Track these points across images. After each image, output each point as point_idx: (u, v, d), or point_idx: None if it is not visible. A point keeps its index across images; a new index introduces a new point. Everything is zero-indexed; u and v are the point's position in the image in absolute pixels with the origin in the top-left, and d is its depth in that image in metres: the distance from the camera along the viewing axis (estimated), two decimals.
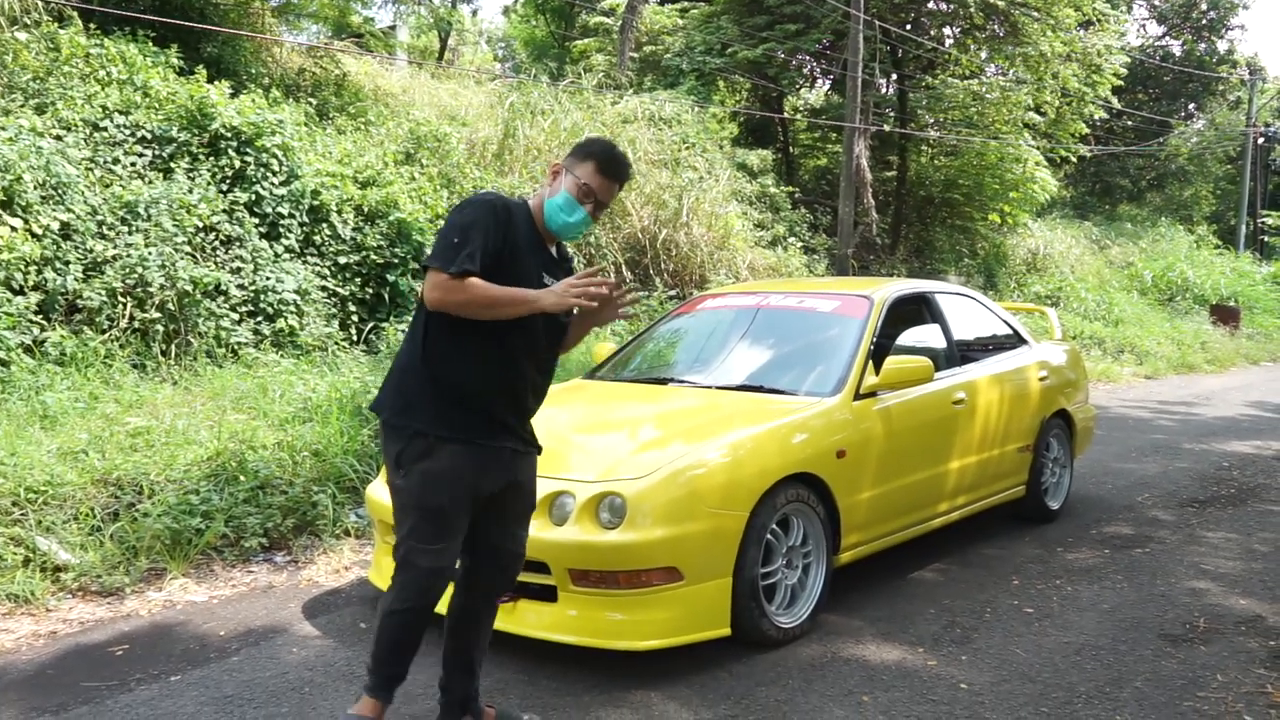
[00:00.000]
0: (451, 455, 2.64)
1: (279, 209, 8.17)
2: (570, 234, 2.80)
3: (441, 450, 2.63)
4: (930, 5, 18.49)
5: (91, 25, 8.93)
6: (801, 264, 13.95)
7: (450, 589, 2.87)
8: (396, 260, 8.69)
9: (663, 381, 4.76)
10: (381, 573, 4.08)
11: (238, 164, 8.07)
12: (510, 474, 2.78)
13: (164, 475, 4.89)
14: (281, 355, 7.41)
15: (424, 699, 3.25)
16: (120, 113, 7.94)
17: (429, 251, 2.68)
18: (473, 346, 2.65)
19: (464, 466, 2.65)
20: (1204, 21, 31.94)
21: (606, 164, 2.76)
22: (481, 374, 2.67)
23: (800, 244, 14.68)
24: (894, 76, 18.80)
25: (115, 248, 6.98)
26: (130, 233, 7.11)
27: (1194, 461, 7.63)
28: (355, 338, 8.33)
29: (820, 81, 20.78)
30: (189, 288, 7.01)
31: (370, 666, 2.77)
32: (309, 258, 8.31)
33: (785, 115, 18.72)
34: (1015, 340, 5.80)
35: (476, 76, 16.72)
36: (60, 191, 6.87)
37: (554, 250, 2.87)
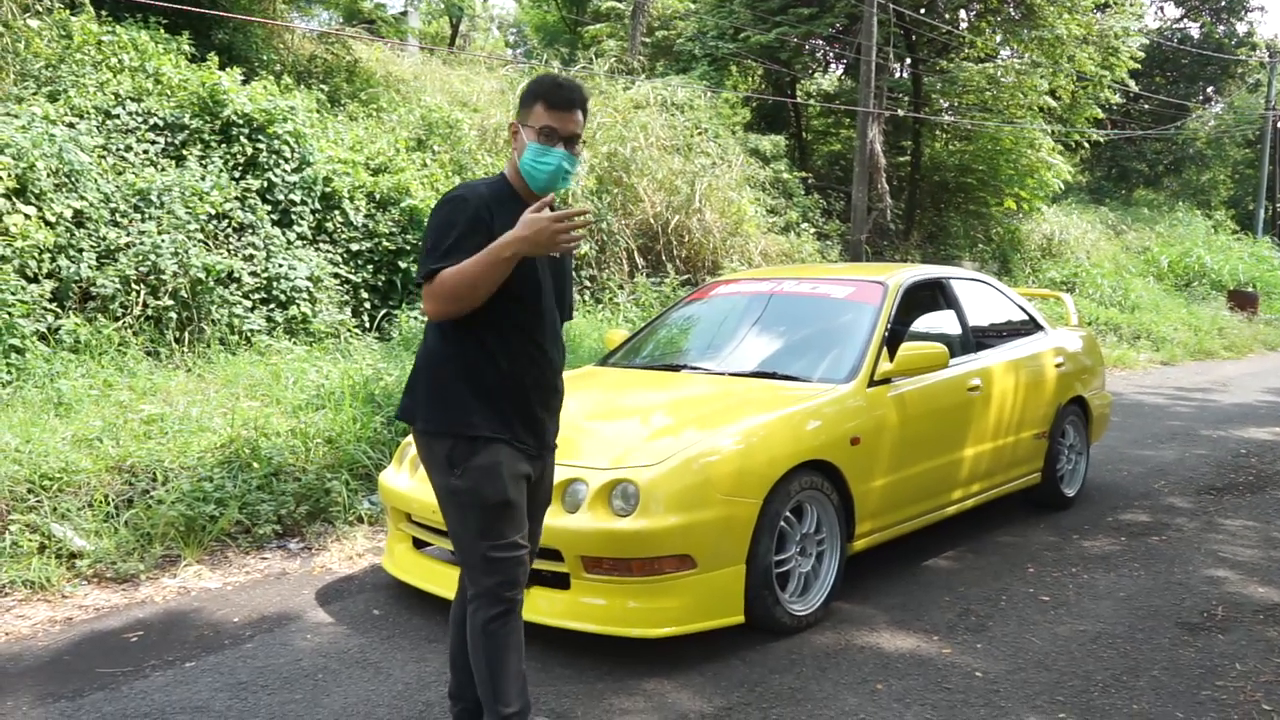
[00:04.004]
0: (498, 451, 2.57)
1: (291, 196, 8.18)
2: (558, 180, 2.61)
3: (490, 448, 2.56)
4: None
5: (103, 12, 8.93)
6: (815, 250, 13.88)
7: (458, 587, 2.81)
8: (409, 247, 8.69)
9: (676, 368, 4.75)
10: (395, 560, 4.08)
11: (250, 151, 8.08)
12: (537, 469, 2.72)
13: (178, 462, 4.91)
14: (294, 342, 7.43)
15: (438, 686, 3.25)
16: (132, 100, 7.95)
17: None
18: (490, 338, 2.58)
19: (509, 461, 2.59)
20: (1222, 3, 31.58)
21: (552, 97, 2.59)
22: (508, 365, 2.59)
23: (814, 230, 14.60)
24: (908, 60, 18.64)
25: (128, 235, 6.99)
26: (143, 220, 7.13)
27: (1211, 448, 7.56)
28: (368, 325, 8.34)
29: (833, 66, 20.66)
30: (202, 275, 7.03)
31: (497, 713, 2.58)
32: (321, 245, 8.32)
33: (798, 100, 18.60)
34: (1031, 326, 5.75)
35: (488, 62, 16.65)
36: (73, 179, 6.88)
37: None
